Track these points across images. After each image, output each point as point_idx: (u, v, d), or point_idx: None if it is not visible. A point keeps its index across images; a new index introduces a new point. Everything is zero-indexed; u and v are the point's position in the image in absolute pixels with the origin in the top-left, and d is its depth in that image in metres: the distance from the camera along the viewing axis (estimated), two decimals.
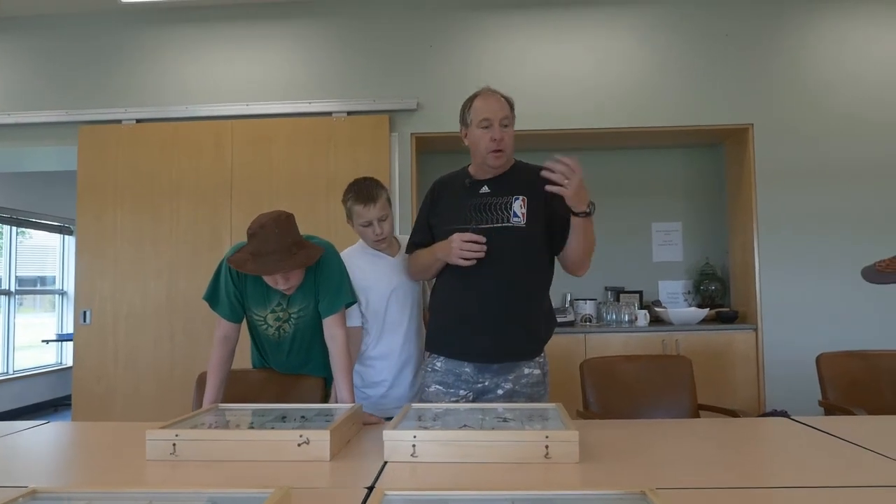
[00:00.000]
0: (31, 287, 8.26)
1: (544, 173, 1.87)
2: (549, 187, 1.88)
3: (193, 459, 1.56)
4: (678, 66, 3.94)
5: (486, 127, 2.01)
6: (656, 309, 4.15)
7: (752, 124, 3.89)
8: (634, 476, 1.38)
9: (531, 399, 2.04)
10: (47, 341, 7.22)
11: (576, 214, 1.93)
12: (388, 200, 2.23)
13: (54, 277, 7.98)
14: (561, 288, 4.43)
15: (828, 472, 1.39)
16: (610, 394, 2.54)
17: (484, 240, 1.95)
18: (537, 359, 2.09)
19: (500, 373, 2.05)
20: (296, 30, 4.09)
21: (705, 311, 3.96)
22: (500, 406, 1.94)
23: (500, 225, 2.03)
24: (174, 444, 1.59)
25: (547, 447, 1.52)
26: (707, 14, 3.95)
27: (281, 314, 2.12)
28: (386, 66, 4.02)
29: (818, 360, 2.67)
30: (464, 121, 2.08)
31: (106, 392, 3.98)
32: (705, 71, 3.93)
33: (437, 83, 3.98)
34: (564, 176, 1.86)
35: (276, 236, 1.92)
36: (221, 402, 2.08)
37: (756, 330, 3.84)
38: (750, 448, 1.66)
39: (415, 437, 1.55)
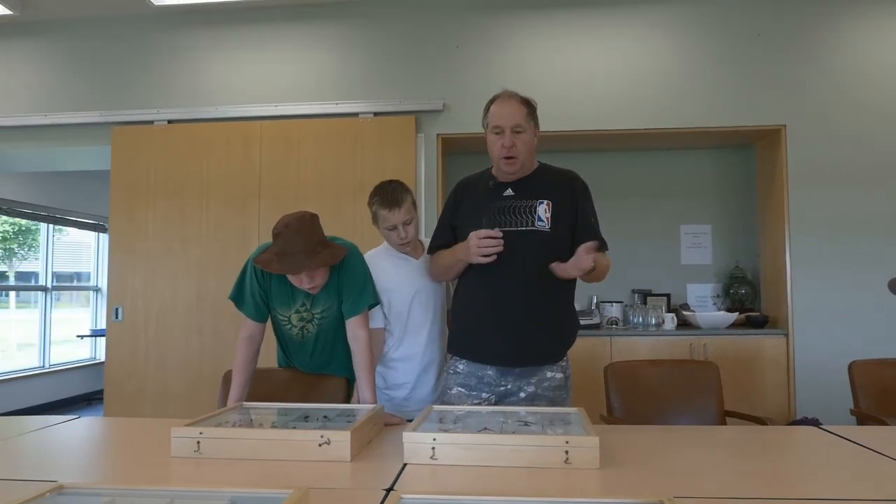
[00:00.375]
0: (67, 283, 8.48)
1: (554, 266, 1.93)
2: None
3: (217, 457, 1.58)
4: (709, 66, 3.87)
5: (498, 133, 2.00)
6: (684, 312, 4.09)
7: (785, 125, 3.81)
8: (655, 484, 1.36)
9: (553, 403, 2.03)
10: (82, 336, 7.40)
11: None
12: (414, 204, 2.24)
13: (89, 273, 8.18)
14: (587, 290, 4.39)
15: (857, 484, 1.35)
16: (634, 399, 2.51)
17: (500, 234, 1.94)
18: (560, 362, 2.07)
19: (522, 376, 2.04)
20: (323, 31, 4.12)
21: (734, 316, 3.89)
22: (522, 409, 1.93)
23: (524, 228, 2.02)
24: (198, 442, 1.61)
25: (567, 452, 1.51)
26: (739, 13, 3.88)
27: (305, 314, 2.15)
28: (412, 67, 4.03)
29: (850, 367, 2.60)
30: (483, 124, 2.08)
31: (137, 388, 4.06)
32: (737, 71, 3.85)
33: (464, 84, 3.98)
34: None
35: (301, 235, 1.94)
36: (246, 401, 2.11)
37: (787, 335, 3.76)
38: (775, 457, 1.63)
39: (434, 439, 1.55)
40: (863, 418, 2.49)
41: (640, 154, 4.46)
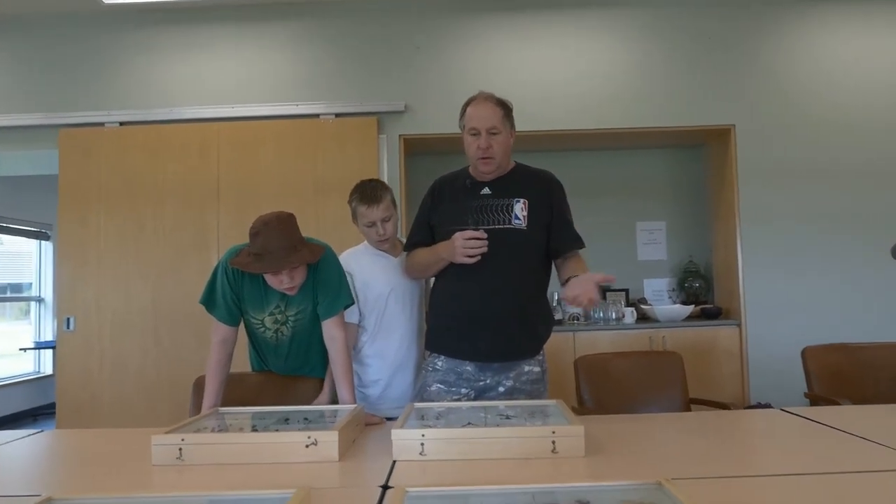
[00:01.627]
0: (3, 294, 8.07)
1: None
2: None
3: (200, 463, 1.55)
4: (661, 67, 4.01)
5: (475, 135, 2.04)
6: (642, 307, 4.21)
7: (734, 125, 3.97)
8: (641, 468, 1.41)
9: (531, 396, 2.07)
10: (25, 349, 7.07)
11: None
12: (393, 202, 2.26)
13: (30, 284, 7.82)
14: (548, 287, 4.47)
15: (831, 460, 1.43)
16: (604, 390, 2.58)
17: (485, 235, 1.98)
18: (537, 357, 2.12)
19: (500, 371, 2.07)
20: (282, 31, 4.07)
21: (690, 308, 4.03)
22: (501, 404, 1.96)
23: (501, 227, 2.06)
24: (180, 449, 1.58)
25: (554, 442, 1.54)
26: (690, 15, 4.02)
27: (279, 316, 2.12)
28: (374, 68, 4.03)
29: (803, 353, 2.74)
30: (460, 125, 2.11)
31: (91, 399, 3.92)
32: (688, 72, 4.00)
33: (425, 85, 4.00)
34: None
35: (280, 233, 1.92)
36: (221, 406, 2.07)
37: (739, 325, 3.92)
38: (748, 438, 1.71)
39: (423, 435, 1.56)
40: (816, 400, 2.62)
41: (596, 153, 4.57)
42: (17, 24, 4.15)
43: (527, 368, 2.08)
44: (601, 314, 4.16)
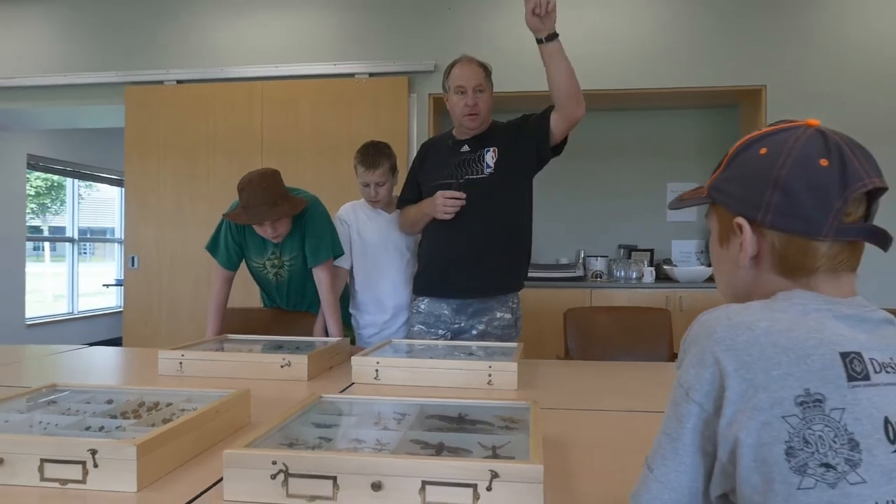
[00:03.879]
0: (100, 236, 8.92)
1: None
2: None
3: (196, 375, 1.86)
4: (692, 26, 3.96)
5: (462, 93, 2.21)
6: (665, 267, 4.27)
7: (766, 85, 3.90)
8: (556, 400, 1.61)
9: (501, 340, 2.27)
10: (107, 285, 7.83)
11: (540, 41, 2.02)
12: (392, 170, 2.46)
13: (114, 228, 8.58)
14: (575, 244, 4.59)
15: None
16: (589, 342, 2.74)
17: (463, 195, 2.18)
18: (510, 304, 2.31)
19: (474, 315, 2.29)
20: None
21: (711, 270, 4.06)
22: (473, 344, 2.18)
23: (476, 176, 2.25)
24: (181, 363, 1.90)
25: (490, 375, 1.75)
26: None
27: (276, 261, 2.42)
28: (406, 29, 4.18)
29: None
30: (444, 87, 2.28)
31: (150, 334, 4.40)
32: (720, 32, 3.93)
33: (455, 44, 4.11)
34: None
35: (263, 190, 2.19)
36: (232, 334, 2.39)
37: None
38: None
39: (378, 362, 1.81)
40: None
41: (627, 113, 4.58)
42: None
43: (498, 315, 2.28)
44: (622, 272, 4.25)
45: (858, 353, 0.65)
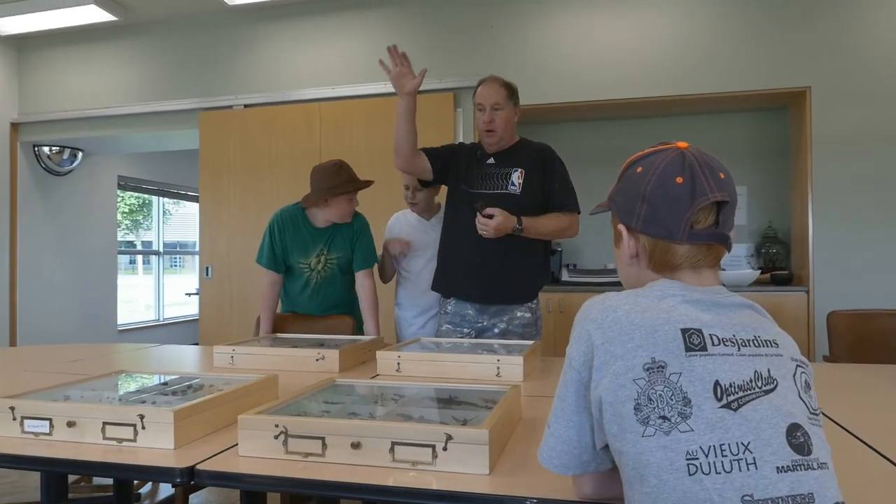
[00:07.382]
0: (185, 249, 9.63)
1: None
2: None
3: (245, 368, 2.13)
4: (735, 29, 3.97)
5: (481, 110, 2.40)
6: None
7: (810, 87, 3.87)
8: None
9: (522, 338, 2.44)
10: (189, 294, 8.43)
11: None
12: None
13: (195, 242, 9.24)
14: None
15: None
16: None
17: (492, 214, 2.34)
18: (529, 304, 2.47)
19: (496, 315, 2.47)
20: (370, 18, 4.57)
21: (757, 273, 4.04)
22: (495, 342, 2.36)
23: (498, 192, 2.42)
24: (232, 357, 2.17)
25: (498, 368, 1.93)
26: None
27: (322, 258, 2.68)
28: (451, 49, 4.41)
29: (828, 317, 2.81)
30: (473, 103, 2.49)
31: (224, 337, 4.79)
32: (763, 34, 3.94)
33: (498, 60, 4.31)
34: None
35: (349, 169, 2.63)
36: (281, 333, 2.66)
37: (808, 292, 3.89)
38: None
39: (399, 356, 2.02)
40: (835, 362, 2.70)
41: (674, 119, 4.62)
42: (165, 26, 5.03)
43: (518, 314, 2.45)
44: None
45: (699, 330, 0.80)
